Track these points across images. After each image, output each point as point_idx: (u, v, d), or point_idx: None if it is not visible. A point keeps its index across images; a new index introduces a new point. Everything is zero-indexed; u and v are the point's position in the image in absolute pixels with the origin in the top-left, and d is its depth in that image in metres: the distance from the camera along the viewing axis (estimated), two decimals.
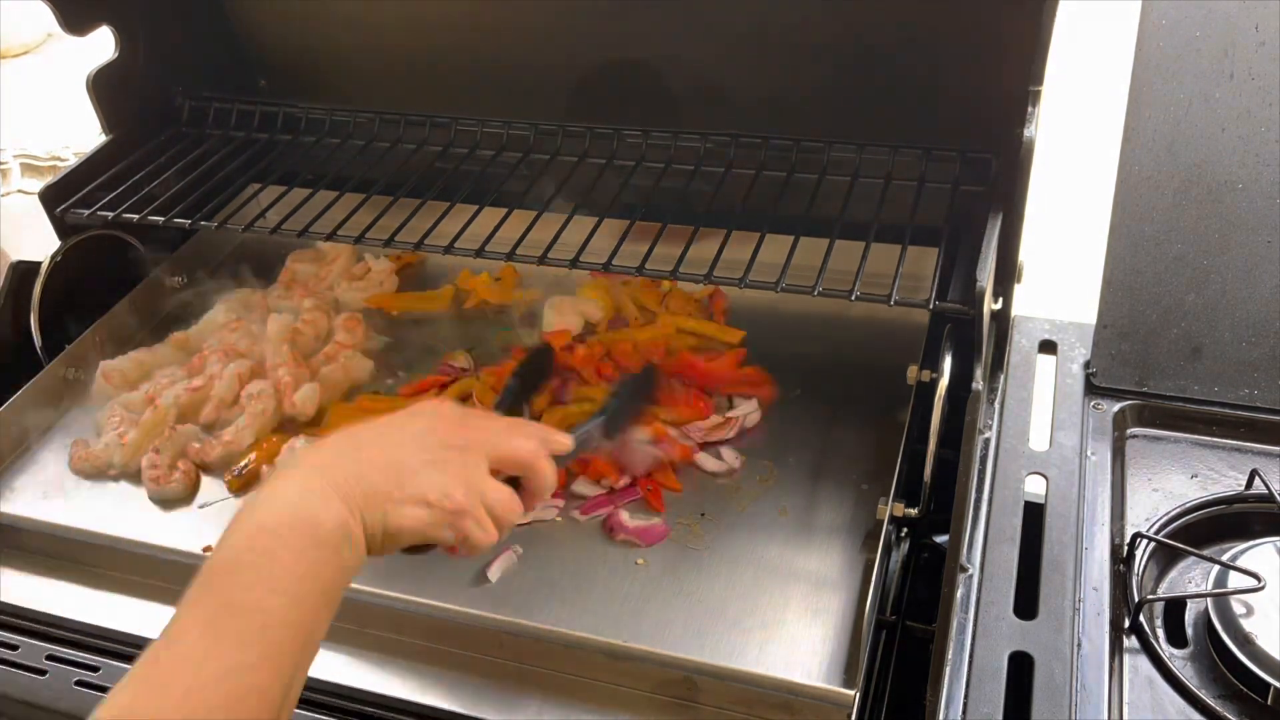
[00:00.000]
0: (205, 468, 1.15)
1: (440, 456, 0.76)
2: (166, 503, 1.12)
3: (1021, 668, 0.89)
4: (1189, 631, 0.94)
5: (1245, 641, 0.88)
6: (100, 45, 1.35)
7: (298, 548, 0.67)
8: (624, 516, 1.04)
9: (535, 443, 0.82)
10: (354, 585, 0.96)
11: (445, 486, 0.75)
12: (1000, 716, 0.86)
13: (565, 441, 0.86)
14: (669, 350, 1.21)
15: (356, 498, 0.71)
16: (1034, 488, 1.05)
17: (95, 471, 1.16)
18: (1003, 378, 1.16)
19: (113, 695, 0.60)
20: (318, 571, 0.67)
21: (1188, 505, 1.02)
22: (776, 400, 1.17)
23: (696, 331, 1.25)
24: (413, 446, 0.76)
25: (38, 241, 1.31)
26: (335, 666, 0.95)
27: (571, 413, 1.13)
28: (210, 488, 1.14)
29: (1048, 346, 1.20)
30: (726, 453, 1.11)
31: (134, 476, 1.15)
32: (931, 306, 1.01)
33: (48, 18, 1.27)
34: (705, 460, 1.10)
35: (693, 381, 1.17)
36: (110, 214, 1.25)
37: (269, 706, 0.62)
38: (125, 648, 0.99)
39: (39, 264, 1.25)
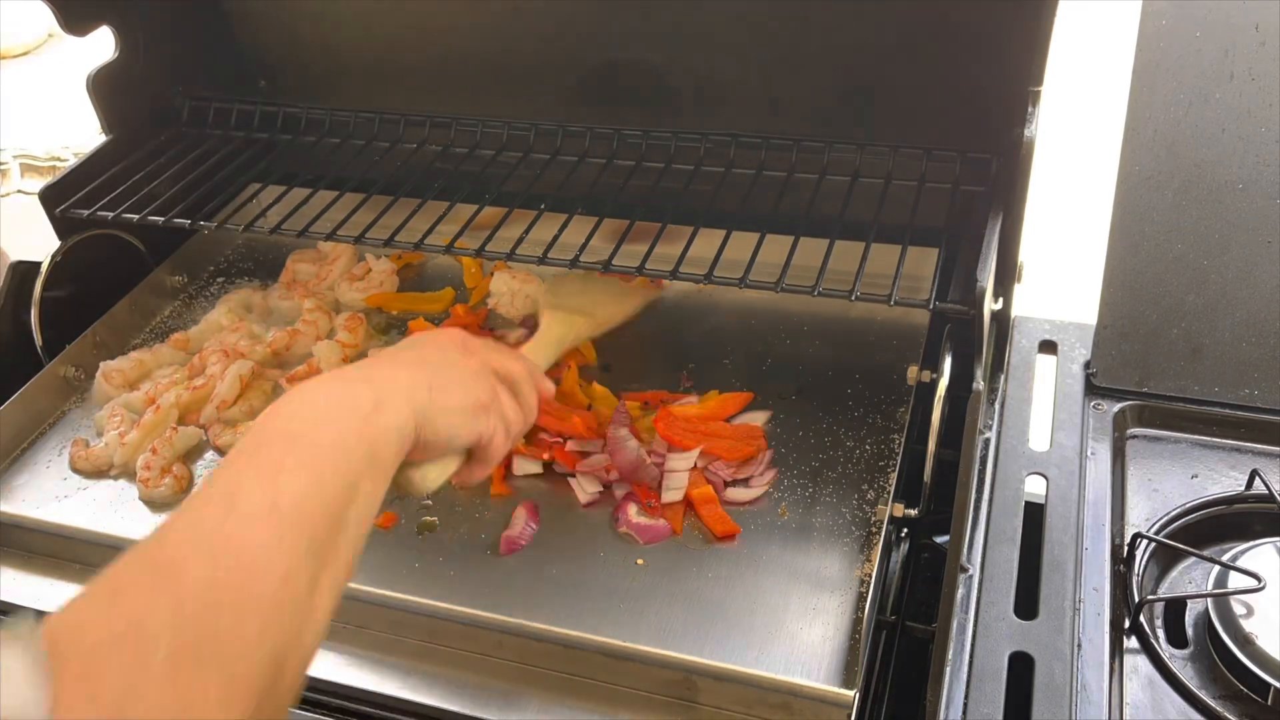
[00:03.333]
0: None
1: (459, 359, 0.82)
2: (155, 504, 1.12)
3: (1022, 668, 0.89)
4: (1189, 632, 0.94)
5: (1245, 642, 0.88)
6: (100, 45, 1.35)
7: (335, 408, 0.68)
8: (631, 510, 1.04)
9: (526, 365, 0.90)
10: (353, 585, 0.98)
11: (472, 380, 0.80)
12: (1000, 717, 0.86)
13: (549, 385, 0.94)
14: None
15: (403, 383, 0.73)
16: (1034, 488, 1.05)
17: (95, 471, 1.16)
18: (1003, 378, 1.16)
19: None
20: (353, 426, 0.67)
21: (1188, 505, 1.02)
22: (776, 401, 1.17)
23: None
24: (434, 352, 0.82)
25: (38, 241, 1.30)
26: (335, 666, 0.95)
27: None
28: None
29: (1048, 346, 1.20)
30: (755, 480, 1.08)
31: (134, 476, 1.15)
32: (931, 306, 1.01)
33: (48, 18, 1.27)
34: (735, 494, 1.07)
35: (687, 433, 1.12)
36: (110, 214, 1.24)
37: (317, 521, 0.61)
38: None
39: (39, 264, 1.25)
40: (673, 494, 1.05)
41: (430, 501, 1.08)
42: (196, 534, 0.59)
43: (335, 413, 0.67)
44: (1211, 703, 0.87)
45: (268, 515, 0.59)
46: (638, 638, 0.92)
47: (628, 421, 1.11)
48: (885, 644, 0.98)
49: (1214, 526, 1.01)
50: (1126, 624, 0.94)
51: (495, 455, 0.83)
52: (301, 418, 0.67)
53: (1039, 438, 1.10)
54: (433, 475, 0.80)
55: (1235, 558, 0.95)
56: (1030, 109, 0.98)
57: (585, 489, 1.08)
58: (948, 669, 0.88)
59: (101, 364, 1.26)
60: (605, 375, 1.22)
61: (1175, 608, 0.96)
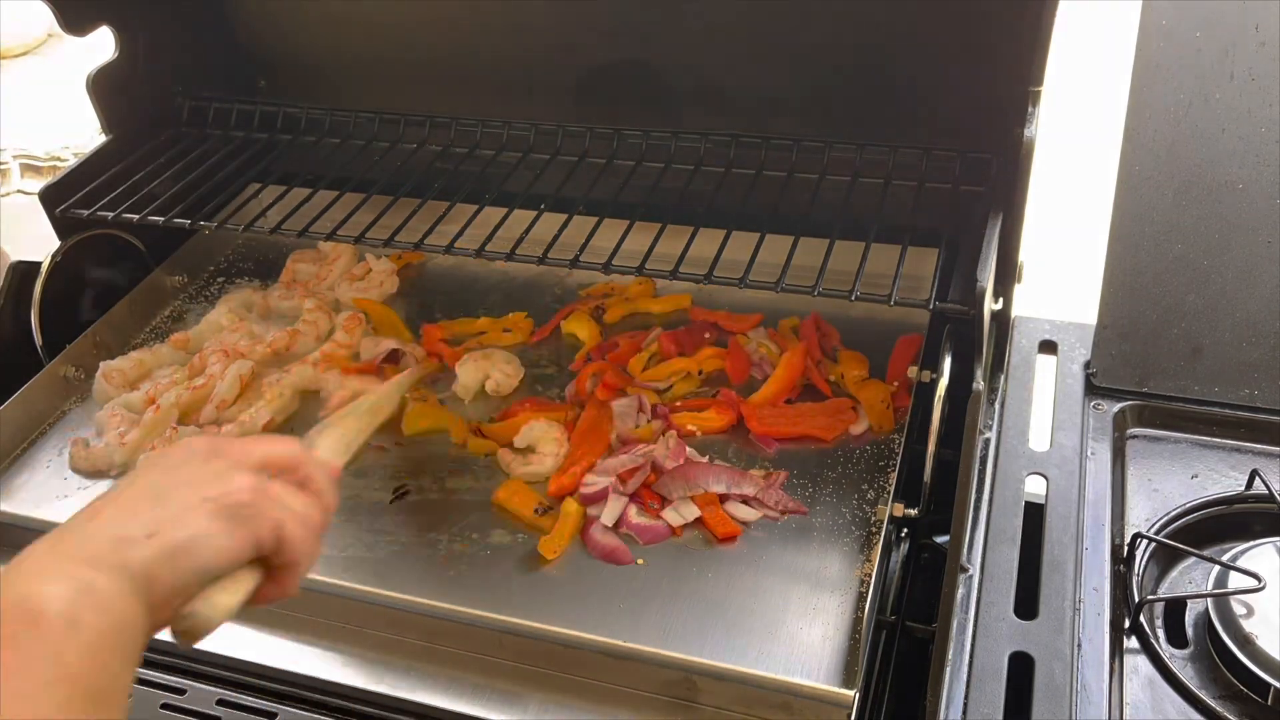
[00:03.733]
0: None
1: (200, 468, 0.66)
2: None
3: (1022, 668, 0.89)
4: (1189, 632, 0.94)
5: (1245, 642, 0.88)
6: (100, 45, 1.35)
7: (11, 639, 0.53)
8: (631, 511, 1.04)
9: (294, 444, 0.73)
10: (354, 585, 0.98)
11: (223, 480, 0.65)
12: (1000, 717, 0.86)
13: (334, 462, 0.82)
14: None
15: (104, 546, 0.59)
16: (1034, 488, 1.05)
17: (95, 471, 1.16)
18: (1003, 378, 1.15)
19: None
20: (43, 663, 0.53)
21: (1188, 505, 1.02)
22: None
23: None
24: (162, 472, 0.66)
25: (38, 241, 1.31)
26: (335, 667, 0.95)
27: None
28: None
29: (1048, 346, 1.20)
30: (757, 502, 1.06)
31: None
32: (931, 306, 1.01)
33: (48, 18, 1.28)
34: (737, 510, 1.05)
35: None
36: (110, 214, 1.25)
37: None
38: None
39: (39, 264, 1.25)
40: (676, 518, 1.04)
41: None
42: None
43: (36, 650, 0.53)
44: (1211, 703, 0.87)
45: None
46: (638, 638, 0.92)
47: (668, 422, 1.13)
48: (885, 644, 0.98)
49: (1214, 526, 1.01)
50: (1126, 624, 0.94)
51: (299, 553, 0.67)
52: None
53: (1039, 438, 1.10)
54: (223, 602, 0.64)
55: (1235, 558, 0.94)
56: (1030, 109, 0.98)
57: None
58: (948, 669, 0.88)
59: (101, 364, 1.26)
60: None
61: (1175, 608, 0.96)
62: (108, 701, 0.55)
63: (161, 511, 0.62)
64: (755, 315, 1.25)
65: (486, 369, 1.22)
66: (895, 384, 1.15)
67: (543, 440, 1.12)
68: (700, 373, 1.18)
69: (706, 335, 1.23)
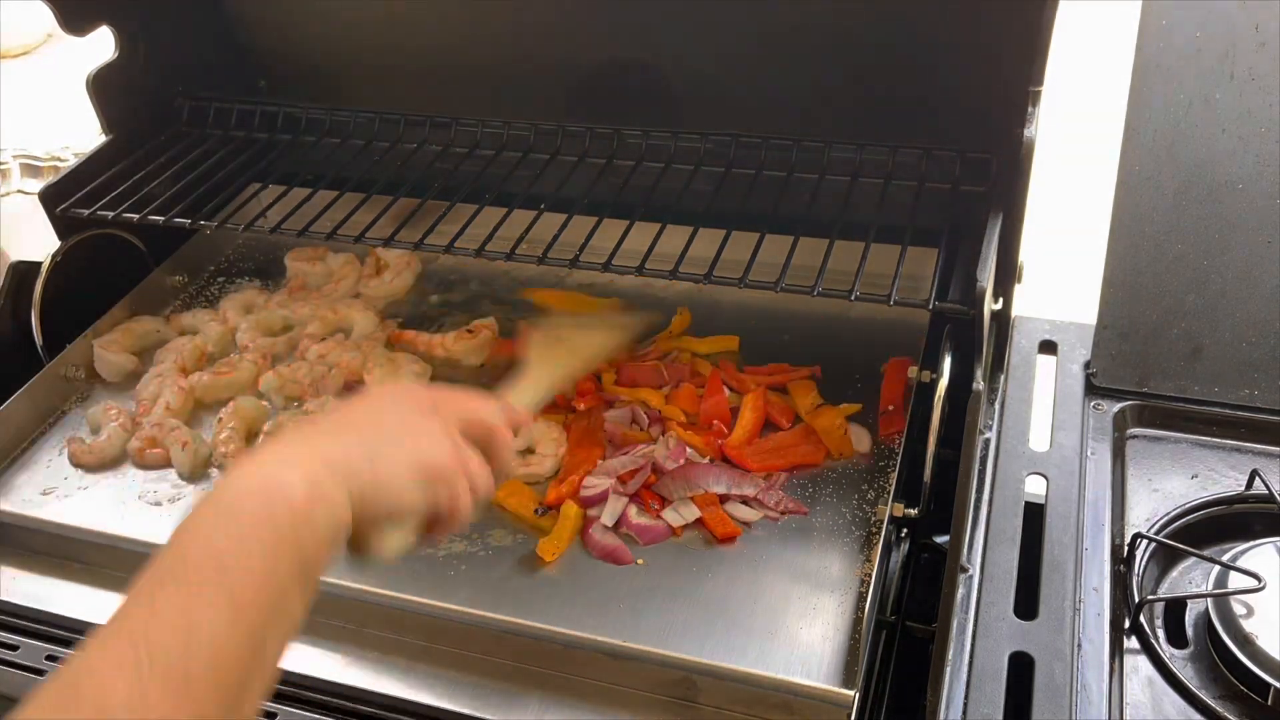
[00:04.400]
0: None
1: (419, 421, 0.74)
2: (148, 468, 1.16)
3: (1022, 668, 0.89)
4: (1189, 632, 0.94)
5: (1245, 642, 0.88)
6: (100, 45, 1.35)
7: (264, 507, 0.62)
8: (631, 511, 1.04)
9: (496, 411, 0.81)
10: (353, 585, 0.98)
11: (433, 444, 0.73)
12: (1000, 717, 0.86)
13: (525, 416, 0.89)
14: None
15: (336, 461, 0.67)
16: (1034, 488, 1.05)
17: (100, 464, 1.16)
18: (1003, 378, 1.15)
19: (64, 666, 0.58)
20: (285, 534, 0.62)
21: (1188, 505, 1.02)
22: (775, 400, 1.17)
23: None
24: (391, 413, 0.74)
25: (38, 241, 1.31)
26: (335, 666, 0.95)
27: None
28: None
29: (1048, 346, 1.20)
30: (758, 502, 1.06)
31: (134, 475, 1.16)
32: (931, 306, 1.01)
33: (48, 18, 1.27)
34: (737, 510, 1.05)
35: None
36: (110, 214, 1.25)
37: (234, 666, 0.57)
38: None
39: (39, 264, 1.25)
40: (676, 518, 1.04)
41: None
42: (108, 700, 0.55)
43: (260, 520, 0.61)
44: (1211, 703, 0.87)
45: (182, 683, 0.55)
46: (638, 638, 0.92)
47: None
48: (885, 644, 0.98)
49: (1214, 526, 1.01)
50: (1126, 624, 0.94)
51: (458, 519, 0.75)
52: (225, 532, 0.61)
53: (1039, 438, 1.10)
54: (389, 544, 0.72)
55: (1235, 558, 0.94)
56: (1030, 109, 0.98)
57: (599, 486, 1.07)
58: (948, 669, 0.88)
59: (93, 345, 1.28)
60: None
61: (1175, 608, 0.96)
62: (310, 588, 0.64)
63: (383, 449, 0.70)
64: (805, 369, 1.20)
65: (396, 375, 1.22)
66: (890, 407, 1.13)
67: (542, 440, 1.12)
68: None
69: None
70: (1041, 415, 1.12)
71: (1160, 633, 0.94)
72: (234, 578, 0.59)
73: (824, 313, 1.25)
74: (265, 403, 1.22)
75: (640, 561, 1.01)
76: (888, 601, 0.99)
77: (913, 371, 1.10)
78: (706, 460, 1.09)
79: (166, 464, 1.16)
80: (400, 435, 0.72)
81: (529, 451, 1.12)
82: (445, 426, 0.75)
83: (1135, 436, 1.11)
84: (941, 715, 0.85)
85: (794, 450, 1.10)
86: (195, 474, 1.14)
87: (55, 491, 1.14)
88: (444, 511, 0.74)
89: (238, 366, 1.25)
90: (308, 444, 0.69)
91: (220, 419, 1.18)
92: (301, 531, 0.62)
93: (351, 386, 1.22)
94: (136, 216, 1.24)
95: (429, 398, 0.78)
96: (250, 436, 1.17)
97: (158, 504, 1.12)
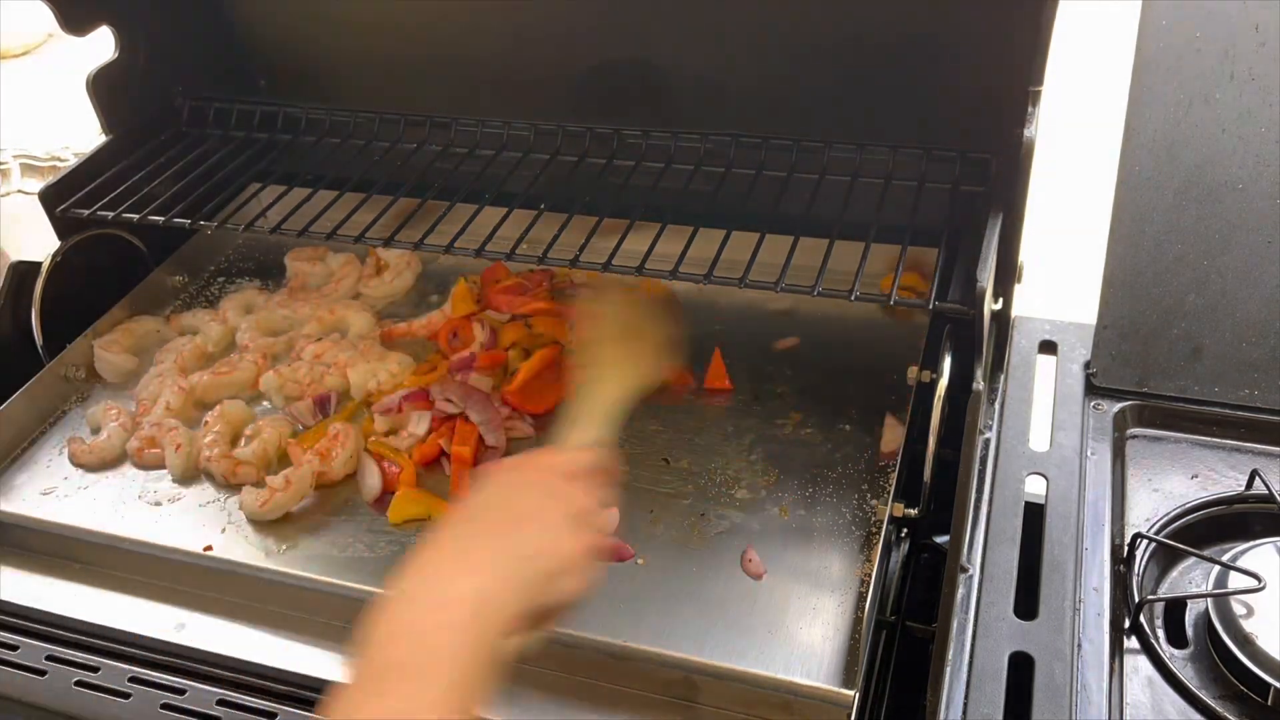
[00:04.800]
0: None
1: (551, 510, 0.77)
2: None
3: (1022, 668, 0.89)
4: (1189, 632, 0.94)
5: (1245, 642, 0.88)
6: (100, 45, 1.35)
7: (454, 637, 0.67)
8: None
9: (597, 494, 0.83)
10: (354, 585, 0.98)
11: (569, 540, 0.75)
12: (1000, 717, 0.86)
13: (605, 458, 0.88)
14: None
15: (505, 583, 0.71)
16: (1034, 488, 1.05)
17: (100, 464, 1.16)
18: (1003, 378, 1.16)
19: None
20: (473, 646, 0.68)
21: (1188, 505, 1.02)
22: (775, 400, 1.17)
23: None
24: (530, 504, 0.77)
25: (38, 241, 1.31)
26: (335, 666, 0.95)
27: None
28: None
29: (1048, 347, 1.20)
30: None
31: (134, 475, 1.16)
32: (931, 306, 1.01)
33: (48, 18, 1.27)
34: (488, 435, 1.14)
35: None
36: (110, 214, 1.25)
37: None
38: (125, 648, 0.99)
39: (39, 264, 1.25)
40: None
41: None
42: None
43: (460, 630, 0.67)
44: (1211, 703, 0.87)
45: None
46: (638, 638, 0.92)
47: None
48: (885, 644, 0.98)
49: (1214, 526, 1.01)
50: (1126, 624, 0.94)
51: (568, 608, 0.78)
52: (412, 641, 0.67)
53: (1039, 438, 1.10)
54: (541, 634, 0.76)
55: (1235, 558, 0.94)
56: (1030, 109, 0.98)
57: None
58: (948, 669, 0.88)
59: (93, 345, 1.28)
60: None
61: (1175, 608, 0.96)
62: (489, 688, 0.68)
63: (539, 552, 0.74)
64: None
65: (377, 369, 1.23)
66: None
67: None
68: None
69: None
70: (1041, 415, 1.12)
71: (1160, 633, 0.94)
72: (440, 683, 0.65)
73: (824, 313, 1.25)
74: (249, 405, 1.22)
75: (641, 561, 1.01)
76: (888, 601, 0.99)
77: (913, 372, 1.10)
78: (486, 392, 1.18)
79: (165, 464, 1.16)
80: (545, 527, 0.75)
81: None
82: (576, 516, 0.77)
83: (1135, 436, 1.11)
84: (941, 715, 0.85)
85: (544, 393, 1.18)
86: (188, 476, 1.14)
87: (55, 491, 1.14)
88: (576, 595, 0.76)
89: (238, 366, 1.25)
90: (482, 546, 0.73)
91: (206, 422, 1.18)
92: (479, 643, 0.68)
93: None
94: (136, 216, 1.24)
95: (552, 485, 0.79)
96: (235, 439, 1.17)
97: (158, 504, 1.12)
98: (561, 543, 0.75)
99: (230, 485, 1.13)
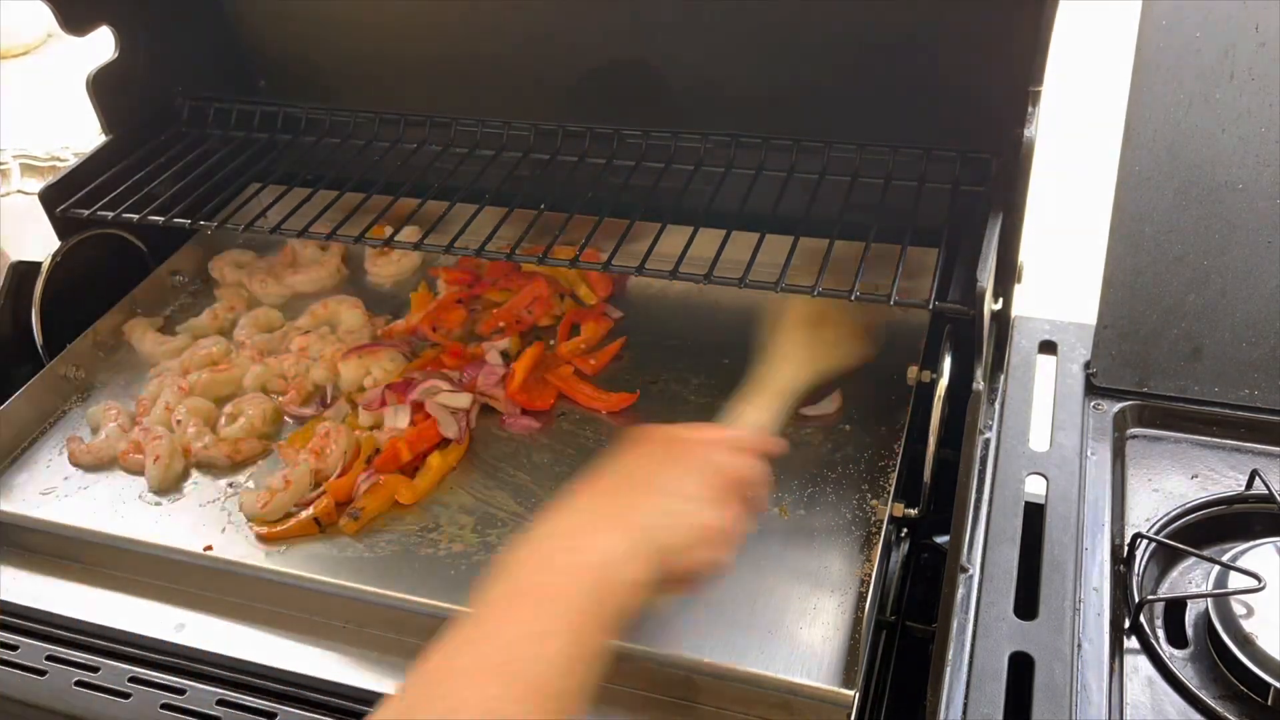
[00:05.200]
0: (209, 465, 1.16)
1: (704, 483, 0.79)
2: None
3: (1022, 668, 0.89)
4: (1189, 632, 0.94)
5: (1245, 642, 0.88)
6: (100, 45, 1.35)
7: (595, 576, 0.70)
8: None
9: (758, 459, 0.86)
10: (354, 585, 0.98)
11: (713, 511, 0.78)
12: (1000, 717, 0.86)
13: (779, 445, 0.93)
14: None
15: (647, 527, 0.74)
16: (1034, 488, 1.05)
17: (98, 464, 1.16)
18: (1003, 378, 1.16)
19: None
20: (601, 595, 0.70)
21: (1188, 505, 1.02)
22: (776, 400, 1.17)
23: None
24: (674, 476, 0.80)
25: (38, 241, 1.30)
26: (335, 666, 0.95)
27: None
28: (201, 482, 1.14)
29: (1048, 347, 1.20)
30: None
31: (134, 475, 1.16)
32: (931, 306, 1.00)
33: (48, 18, 1.27)
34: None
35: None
36: (110, 214, 1.24)
37: (569, 681, 0.66)
38: (125, 648, 0.99)
39: (39, 264, 1.25)
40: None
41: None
42: (470, 697, 0.64)
43: (590, 570, 0.70)
44: (1211, 703, 0.87)
45: (534, 689, 0.64)
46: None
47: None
48: (885, 644, 0.98)
49: (1214, 526, 1.01)
50: (1126, 624, 0.94)
51: (723, 571, 0.82)
52: (557, 569, 0.70)
53: (1039, 438, 1.10)
54: (668, 598, 0.81)
55: (1235, 558, 0.94)
56: (1030, 109, 0.98)
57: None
58: (948, 669, 0.88)
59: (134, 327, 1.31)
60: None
61: (1175, 608, 0.96)
62: (617, 634, 0.71)
63: (677, 519, 0.77)
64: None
65: (369, 365, 1.23)
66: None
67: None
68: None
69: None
70: (1041, 415, 1.12)
71: (1160, 633, 0.94)
72: (570, 609, 0.68)
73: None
74: (211, 403, 1.23)
75: None
76: (888, 601, 0.99)
77: (913, 372, 1.10)
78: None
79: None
80: (694, 506, 0.78)
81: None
82: (725, 489, 0.80)
83: (1135, 436, 1.11)
84: (941, 715, 0.85)
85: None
86: (164, 489, 1.13)
87: (55, 491, 1.14)
88: (698, 574, 0.79)
89: (235, 363, 1.26)
90: (619, 507, 0.76)
91: (178, 421, 1.18)
92: (619, 589, 0.71)
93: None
94: (136, 216, 1.24)
95: (707, 459, 0.82)
96: (213, 426, 1.18)
97: (158, 504, 1.12)
98: (701, 514, 0.77)
99: (235, 466, 1.14)
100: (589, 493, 0.79)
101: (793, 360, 1.03)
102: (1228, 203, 1.03)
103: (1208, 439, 1.09)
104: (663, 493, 0.78)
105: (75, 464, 1.17)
